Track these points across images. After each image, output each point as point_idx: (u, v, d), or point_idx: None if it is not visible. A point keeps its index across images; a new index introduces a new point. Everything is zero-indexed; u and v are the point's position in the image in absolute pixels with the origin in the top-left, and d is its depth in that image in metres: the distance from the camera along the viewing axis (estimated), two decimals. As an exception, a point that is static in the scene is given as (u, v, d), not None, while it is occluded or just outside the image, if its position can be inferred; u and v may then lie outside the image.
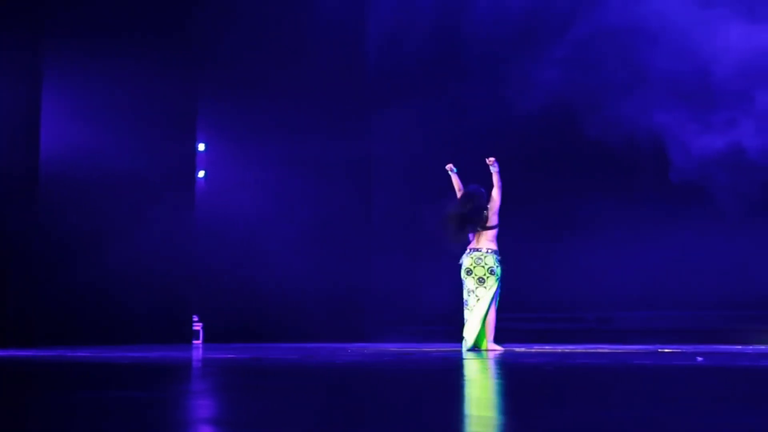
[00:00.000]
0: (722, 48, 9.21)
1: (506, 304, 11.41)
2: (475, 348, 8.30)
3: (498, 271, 8.39)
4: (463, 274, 8.46)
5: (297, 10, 12.70)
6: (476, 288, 8.36)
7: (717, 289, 11.06)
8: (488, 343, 8.44)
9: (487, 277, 8.35)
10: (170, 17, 11.44)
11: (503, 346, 8.59)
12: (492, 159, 8.65)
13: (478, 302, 8.34)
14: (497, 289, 8.43)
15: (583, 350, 8.16)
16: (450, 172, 8.86)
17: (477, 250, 8.44)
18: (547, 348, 8.93)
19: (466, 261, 8.45)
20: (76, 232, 10.30)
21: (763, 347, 9.02)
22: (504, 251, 11.69)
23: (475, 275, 8.37)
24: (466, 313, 8.44)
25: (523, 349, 8.54)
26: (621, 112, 10.12)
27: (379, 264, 13.10)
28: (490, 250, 8.42)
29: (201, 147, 12.55)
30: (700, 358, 5.99)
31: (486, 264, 8.36)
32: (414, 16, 12.54)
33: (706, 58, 9.29)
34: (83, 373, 5.22)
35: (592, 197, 11.75)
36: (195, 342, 11.44)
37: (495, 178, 8.59)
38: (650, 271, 11.52)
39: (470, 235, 8.54)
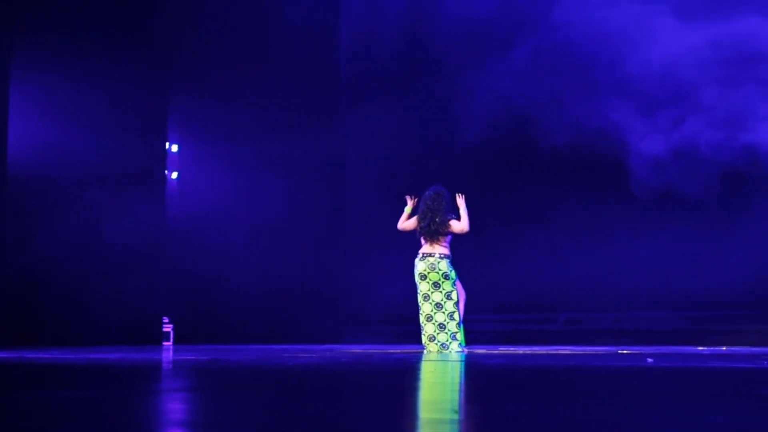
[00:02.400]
0: (671, 48, 9.32)
1: (477, 305, 11.47)
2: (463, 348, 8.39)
3: (452, 275, 8.41)
4: (417, 278, 8.48)
5: (269, 10, 12.71)
6: (432, 293, 8.41)
7: (689, 290, 11.13)
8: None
9: (443, 282, 8.38)
10: (140, 17, 11.40)
11: (469, 348, 8.65)
12: (461, 197, 8.57)
13: (446, 312, 8.38)
14: (455, 288, 8.46)
15: (544, 352, 8.21)
16: (408, 203, 8.69)
17: (430, 255, 8.43)
18: (511, 349, 8.98)
19: (420, 266, 8.45)
20: (44, 233, 10.28)
21: (723, 348, 9.09)
22: (476, 252, 11.77)
23: (430, 280, 8.41)
24: (421, 318, 8.51)
25: (483, 351, 8.59)
26: (588, 115, 10.19)
27: (352, 265, 13.13)
28: (443, 255, 8.40)
29: (174, 148, 12.56)
30: (650, 360, 6.05)
31: (440, 270, 8.37)
32: (386, 18, 12.60)
33: (659, 60, 9.38)
34: (33, 374, 5.22)
35: (565, 198, 11.83)
36: (165, 344, 11.44)
37: (463, 214, 8.50)
38: (621, 272, 11.57)
39: (422, 239, 8.56)
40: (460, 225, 8.43)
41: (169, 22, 11.87)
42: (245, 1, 12.62)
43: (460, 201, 8.59)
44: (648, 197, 10.48)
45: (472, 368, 5.71)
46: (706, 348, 9.13)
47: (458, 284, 8.55)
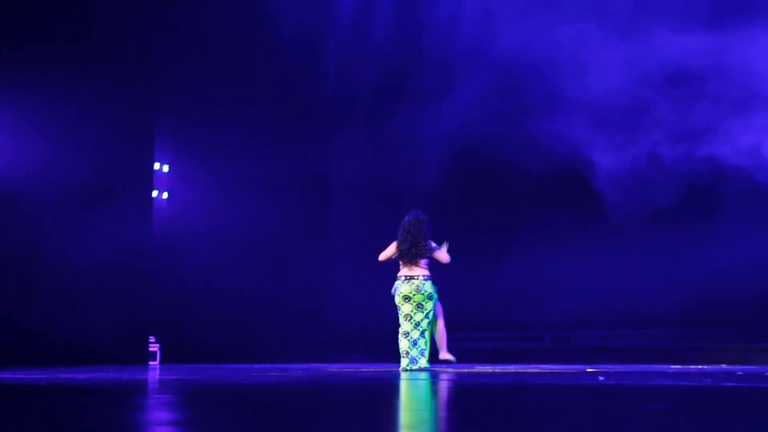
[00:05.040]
0: (620, 67, 9.40)
1: (465, 323, 11.48)
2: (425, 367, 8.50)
3: (436, 295, 8.62)
4: (399, 299, 8.64)
5: (257, 31, 12.82)
6: (414, 314, 8.57)
7: (675, 308, 11.10)
8: (443, 353, 8.71)
9: (426, 303, 8.58)
10: (128, 37, 11.45)
11: (440, 366, 8.73)
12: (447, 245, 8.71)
13: (420, 329, 8.54)
14: (434, 307, 8.61)
15: (514, 370, 8.24)
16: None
17: (413, 277, 8.61)
18: (486, 368, 9.00)
19: (404, 288, 8.60)
20: (29, 251, 10.31)
21: (700, 367, 9.05)
22: (462, 270, 11.76)
23: (414, 302, 8.59)
24: (399, 334, 8.64)
25: (452, 369, 8.64)
26: (563, 139, 10.28)
27: (339, 283, 13.18)
28: (425, 277, 8.61)
29: (165, 168, 12.66)
30: (601, 378, 6.07)
31: (425, 291, 8.56)
32: (373, 39, 12.74)
33: (611, 79, 9.46)
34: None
35: (552, 216, 11.85)
36: (152, 363, 11.48)
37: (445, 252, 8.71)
38: (608, 289, 11.54)
39: (401, 263, 8.68)
40: (444, 256, 8.63)
41: (157, 42, 11.96)
42: (233, 21, 12.73)
43: (445, 247, 8.71)
44: (625, 216, 10.50)
45: (426, 387, 5.73)
46: (680, 366, 9.11)
47: (437, 303, 8.71)
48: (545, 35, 10.12)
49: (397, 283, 8.68)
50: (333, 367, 9.41)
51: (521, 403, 4.09)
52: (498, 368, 8.75)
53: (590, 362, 10.28)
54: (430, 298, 8.54)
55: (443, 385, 5.73)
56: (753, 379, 5.87)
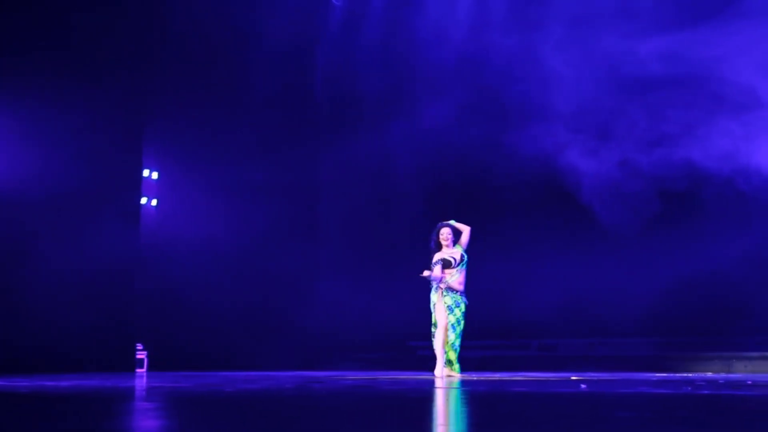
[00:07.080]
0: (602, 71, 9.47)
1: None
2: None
3: (432, 299, 8.83)
4: None
5: (247, 40, 12.86)
6: None
7: (662, 316, 11.13)
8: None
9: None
10: (117, 44, 11.47)
11: (417, 374, 8.81)
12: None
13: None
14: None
15: (499, 378, 8.25)
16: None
17: None
18: (473, 376, 9.02)
19: None
20: (15, 257, 10.30)
21: (689, 375, 9.07)
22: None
23: None
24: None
25: (426, 377, 8.67)
26: (546, 150, 10.32)
27: (328, 291, 13.19)
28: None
29: (155, 176, 12.67)
30: (583, 386, 6.09)
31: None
32: (360, 51, 12.81)
33: (584, 88, 9.51)
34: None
35: (540, 226, 11.88)
36: (139, 370, 11.46)
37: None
38: (595, 298, 11.58)
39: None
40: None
41: (145, 50, 11.97)
42: (223, 29, 12.76)
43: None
44: (611, 224, 10.53)
45: (395, 394, 5.75)
46: (665, 374, 9.13)
47: (437, 309, 8.82)
48: (531, 47, 10.17)
49: None
50: (319, 375, 9.41)
51: (494, 410, 4.10)
52: (483, 376, 8.76)
53: (577, 370, 10.29)
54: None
55: (427, 392, 5.74)
56: (732, 387, 5.89)
